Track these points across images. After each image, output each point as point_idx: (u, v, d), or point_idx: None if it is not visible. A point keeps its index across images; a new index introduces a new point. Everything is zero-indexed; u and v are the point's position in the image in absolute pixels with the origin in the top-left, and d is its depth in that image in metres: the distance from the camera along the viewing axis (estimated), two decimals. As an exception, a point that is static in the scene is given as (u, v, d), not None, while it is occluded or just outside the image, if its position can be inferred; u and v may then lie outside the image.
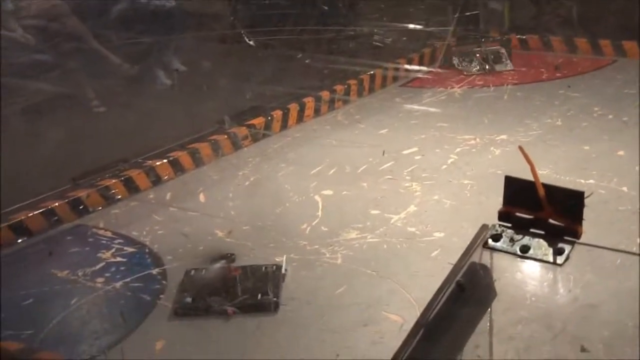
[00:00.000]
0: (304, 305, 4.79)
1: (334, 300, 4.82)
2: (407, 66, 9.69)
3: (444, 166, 6.80)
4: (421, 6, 9.27)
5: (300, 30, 8.45)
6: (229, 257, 5.36)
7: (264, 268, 5.16)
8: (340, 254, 5.37)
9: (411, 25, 9.33)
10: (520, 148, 2.41)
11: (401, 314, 4.56)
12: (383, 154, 6.96)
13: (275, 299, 4.80)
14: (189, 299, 4.85)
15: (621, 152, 6.81)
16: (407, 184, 6.48)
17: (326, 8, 8.61)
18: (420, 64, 10.00)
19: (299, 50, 8.48)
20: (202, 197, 6.54)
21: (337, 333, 4.46)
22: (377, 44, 8.96)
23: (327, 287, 4.97)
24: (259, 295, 4.83)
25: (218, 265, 5.26)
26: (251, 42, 7.71)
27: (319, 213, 6.03)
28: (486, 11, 10.67)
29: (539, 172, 6.21)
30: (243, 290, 4.90)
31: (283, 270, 5.12)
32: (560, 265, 2.30)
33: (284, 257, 5.25)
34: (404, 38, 9.49)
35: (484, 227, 2.46)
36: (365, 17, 9.26)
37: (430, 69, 9.82)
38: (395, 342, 1.93)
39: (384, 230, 5.69)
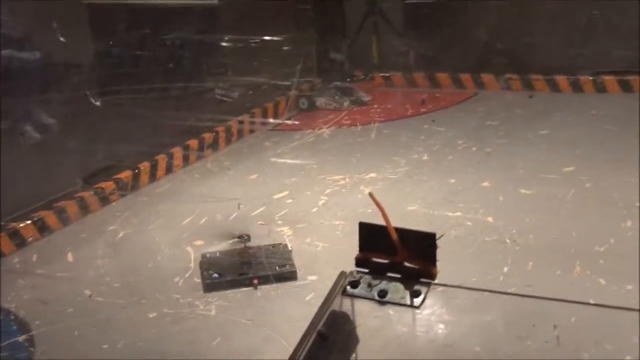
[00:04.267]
0: (178, 362, 4.70)
1: (210, 353, 4.75)
2: (262, 119, 9.71)
3: (315, 208, 6.83)
4: (265, 59, 9.32)
5: (147, 89, 8.35)
6: (244, 238, 6.12)
7: (271, 247, 6.00)
8: (214, 305, 5.30)
9: (260, 79, 9.40)
10: (370, 195, 2.43)
11: (278, 363, 4.52)
12: (239, 207, 6.90)
13: (293, 269, 5.62)
14: (216, 275, 5.57)
15: (486, 183, 6.99)
16: (279, 228, 6.46)
17: (171, 65, 8.56)
18: (275, 113, 10.02)
19: (146, 108, 8.37)
20: (70, 257, 6.34)
21: (214, 387, 4.39)
22: (223, 98, 8.94)
23: (203, 340, 4.89)
24: (277, 267, 5.64)
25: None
26: (97, 103, 7.56)
27: (192, 264, 5.94)
28: (327, 61, 10.93)
29: (409, 207, 6.35)
30: (261, 264, 5.71)
31: (289, 247, 5.98)
32: (417, 307, 2.31)
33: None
34: (250, 92, 9.51)
35: (342, 274, 2.46)
36: (210, 72, 9.26)
37: (280, 121, 9.86)
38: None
39: (258, 277, 5.65)
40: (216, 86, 8.89)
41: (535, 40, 10.25)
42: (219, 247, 6.09)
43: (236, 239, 6.13)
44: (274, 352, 4.64)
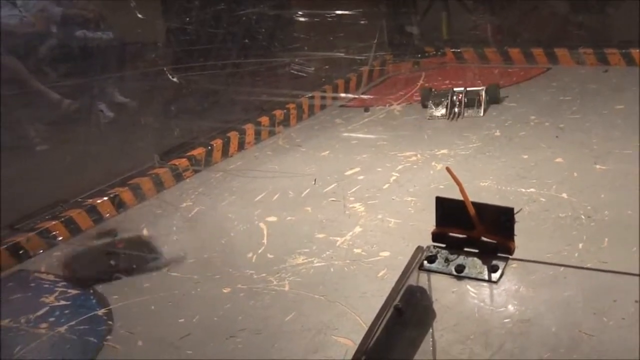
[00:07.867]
0: (254, 335, 4.74)
1: (284, 328, 4.79)
2: (334, 94, 9.70)
3: (387, 184, 6.81)
4: (340, 34, 9.30)
5: (222, 65, 8.41)
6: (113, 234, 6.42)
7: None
8: (288, 281, 5.33)
9: (336, 54, 9.39)
10: (448, 169, 2.42)
11: (351, 337, 4.54)
12: (314, 182, 6.93)
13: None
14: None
15: (559, 159, 6.88)
16: (351, 205, 6.47)
17: (247, 41, 8.61)
18: (346, 89, 10.02)
19: (221, 84, 8.45)
20: (145, 233, 6.46)
21: (289, 361, 4.43)
22: (300, 73, 8.97)
23: (276, 316, 4.93)
24: None
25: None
26: (175, 79, 7.66)
27: (265, 240, 5.99)
28: (399, 36, 10.91)
29: (481, 184, 6.26)
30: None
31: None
32: (495, 282, 2.30)
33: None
34: (326, 66, 9.51)
35: (419, 249, 2.46)
36: (285, 47, 9.30)
37: (355, 96, 9.84)
38: (344, 367, 1.93)
39: (330, 253, 5.67)
40: (292, 61, 8.92)
41: (610, 13, 10.06)
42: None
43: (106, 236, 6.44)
44: (348, 327, 4.66)
